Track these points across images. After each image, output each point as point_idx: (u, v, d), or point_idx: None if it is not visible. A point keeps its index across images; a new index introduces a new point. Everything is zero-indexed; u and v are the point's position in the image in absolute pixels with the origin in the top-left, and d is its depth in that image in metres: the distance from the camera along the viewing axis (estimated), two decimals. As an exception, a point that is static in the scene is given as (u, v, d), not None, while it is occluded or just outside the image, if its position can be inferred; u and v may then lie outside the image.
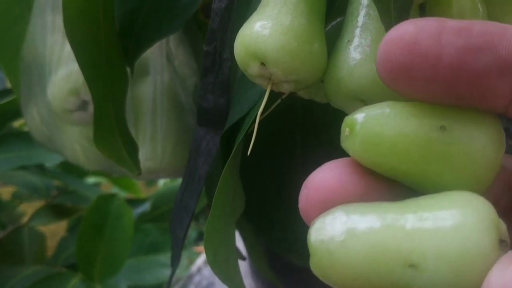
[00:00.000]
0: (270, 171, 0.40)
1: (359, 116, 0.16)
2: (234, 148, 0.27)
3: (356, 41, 0.22)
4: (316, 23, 0.22)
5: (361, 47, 0.21)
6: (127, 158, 0.34)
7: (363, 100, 0.22)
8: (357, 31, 0.22)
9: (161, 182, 0.99)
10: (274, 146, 0.38)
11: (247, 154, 0.24)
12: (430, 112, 0.16)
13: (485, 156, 0.15)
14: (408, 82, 0.15)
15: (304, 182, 0.17)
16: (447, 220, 0.14)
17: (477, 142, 0.15)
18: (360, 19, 0.22)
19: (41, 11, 0.39)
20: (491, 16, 0.23)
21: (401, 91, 0.16)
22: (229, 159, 0.27)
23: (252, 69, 0.22)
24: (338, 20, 0.25)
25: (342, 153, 0.27)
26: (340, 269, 0.15)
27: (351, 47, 0.22)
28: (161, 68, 0.40)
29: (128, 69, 0.36)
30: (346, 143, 0.17)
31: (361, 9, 0.22)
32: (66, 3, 0.29)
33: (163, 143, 0.40)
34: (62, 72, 0.38)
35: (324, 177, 0.17)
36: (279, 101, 0.25)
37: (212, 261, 0.27)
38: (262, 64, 0.22)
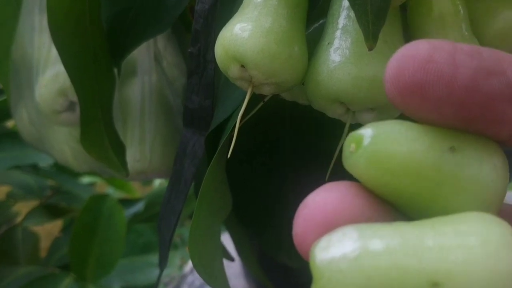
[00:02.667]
0: (260, 172, 0.40)
1: (367, 132, 0.15)
2: (218, 150, 0.27)
3: (336, 43, 0.22)
4: (297, 25, 0.22)
5: (341, 49, 0.21)
6: (114, 159, 0.34)
7: (343, 102, 0.22)
8: (338, 33, 0.22)
9: (157, 182, 0.99)
10: (263, 147, 0.38)
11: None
12: (439, 132, 0.15)
13: (494, 180, 0.15)
14: (420, 102, 0.14)
15: (303, 202, 0.15)
16: (471, 236, 0.13)
17: (486, 165, 0.15)
18: (341, 21, 0.22)
19: (29, 11, 0.39)
20: (471, 18, 0.23)
21: (410, 110, 0.15)
22: (213, 160, 0.27)
23: (233, 72, 0.22)
24: (320, 21, 0.25)
25: (330, 154, 0.27)
26: None
27: (331, 49, 0.22)
28: (149, 69, 0.40)
29: (115, 70, 0.36)
30: (350, 160, 0.15)
31: (342, 11, 0.22)
32: (51, 5, 0.29)
33: (152, 144, 0.40)
34: (49, 73, 0.38)
35: (328, 197, 0.15)
36: (261, 104, 0.25)
37: (196, 262, 0.27)
38: (242, 66, 0.22)
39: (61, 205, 0.85)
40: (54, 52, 0.38)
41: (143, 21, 0.34)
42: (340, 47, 0.21)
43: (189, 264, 0.70)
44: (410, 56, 0.14)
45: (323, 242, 0.14)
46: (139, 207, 0.74)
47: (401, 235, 0.13)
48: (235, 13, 0.25)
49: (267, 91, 0.23)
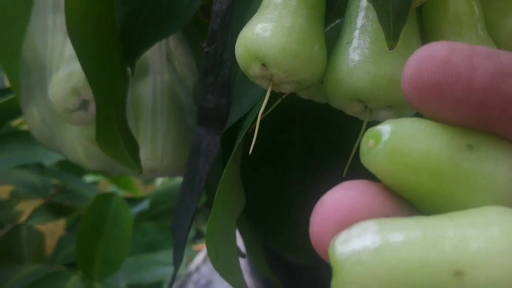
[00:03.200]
0: (270, 171, 0.40)
1: (386, 128, 0.15)
2: (235, 149, 0.27)
3: (355, 42, 0.22)
4: (316, 25, 0.23)
5: (360, 49, 0.22)
6: (128, 157, 0.35)
7: (362, 100, 0.22)
8: (356, 33, 0.22)
9: (159, 181, 1.00)
10: (274, 146, 0.39)
11: (248, 154, 0.25)
12: (456, 131, 0.15)
13: (510, 179, 0.15)
14: (438, 102, 0.15)
15: (320, 200, 0.15)
16: (491, 227, 0.13)
17: (503, 164, 0.15)
18: (359, 21, 0.22)
19: (41, 11, 0.40)
20: (486, 18, 0.24)
21: (428, 110, 0.15)
22: (230, 159, 0.28)
23: (254, 70, 0.23)
24: (337, 21, 0.26)
25: (342, 152, 0.28)
26: (375, 282, 0.13)
27: (350, 49, 0.22)
28: (161, 68, 0.40)
29: (129, 69, 0.36)
30: (369, 156, 0.15)
31: (360, 11, 0.23)
32: (69, 9, 0.29)
33: (163, 143, 0.40)
34: (63, 72, 0.38)
35: (346, 195, 0.15)
36: (279, 101, 0.25)
37: (214, 260, 0.27)
38: (263, 65, 0.22)
39: (65, 203, 0.85)
40: (67, 51, 0.38)
41: (155, 21, 0.34)
42: (359, 47, 0.22)
43: (195, 263, 0.71)
44: (429, 57, 0.14)
45: (343, 236, 0.14)
46: (144, 205, 0.74)
47: (421, 227, 0.13)
48: (251, 12, 0.26)
49: (287, 89, 0.23)
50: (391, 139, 0.15)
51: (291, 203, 0.42)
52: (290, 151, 0.40)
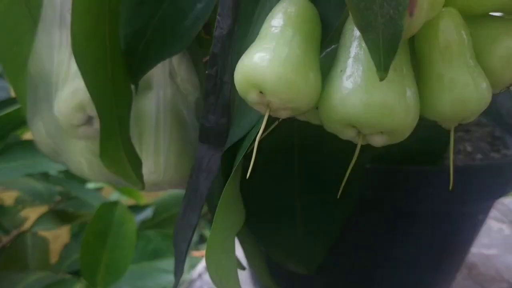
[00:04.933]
0: (270, 183, 0.41)
1: None
2: (234, 168, 0.28)
3: (348, 71, 0.23)
4: (311, 54, 0.24)
5: (353, 77, 0.23)
6: (131, 173, 0.36)
7: (355, 126, 0.23)
8: (350, 61, 0.23)
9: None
10: (272, 162, 0.40)
11: (247, 171, 0.26)
12: None
13: None
14: None
15: None
16: None
17: None
18: (353, 50, 0.23)
19: (48, 28, 0.41)
20: (475, 46, 0.24)
21: None
22: (229, 178, 0.29)
23: (251, 97, 0.24)
24: (332, 47, 0.27)
25: (336, 170, 0.29)
26: None
27: (344, 77, 0.23)
28: (164, 84, 0.41)
29: (133, 86, 0.37)
30: None
31: (353, 40, 0.24)
32: (75, 30, 0.30)
33: (166, 157, 0.41)
34: (68, 89, 0.39)
35: None
36: (276, 123, 0.26)
37: (213, 275, 0.28)
38: (261, 92, 0.23)
39: (69, 210, 0.86)
40: (73, 68, 0.39)
41: (159, 41, 0.35)
42: (352, 75, 0.23)
43: (197, 270, 0.72)
44: None
45: None
46: (147, 213, 0.76)
47: None
48: (250, 38, 0.27)
49: (283, 115, 0.24)
50: None
51: (292, 214, 0.43)
52: (290, 164, 0.41)
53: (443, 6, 0.24)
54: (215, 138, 0.32)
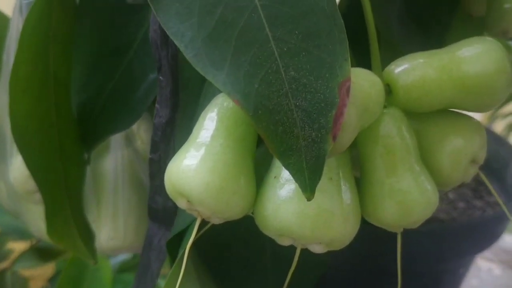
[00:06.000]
0: (239, 262, 0.39)
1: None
2: (176, 260, 0.27)
3: (282, 178, 0.22)
4: (243, 159, 0.22)
5: (288, 184, 0.22)
6: (82, 247, 0.35)
7: (290, 236, 0.22)
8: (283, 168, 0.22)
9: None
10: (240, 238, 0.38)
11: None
12: None
13: None
14: None
15: None
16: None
17: None
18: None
19: (4, 91, 0.40)
20: (422, 145, 0.23)
21: None
22: (172, 268, 0.27)
23: (181, 204, 0.22)
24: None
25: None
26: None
27: (277, 185, 0.22)
28: (122, 146, 0.40)
29: (86, 155, 0.36)
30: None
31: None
32: (13, 110, 0.29)
33: (126, 221, 0.40)
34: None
35: None
36: (210, 224, 0.25)
37: None
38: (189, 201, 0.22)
39: (52, 247, 0.84)
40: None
41: (112, 112, 0.34)
42: (287, 182, 0.21)
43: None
44: None
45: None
46: (125, 255, 0.74)
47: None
48: (193, 123, 0.25)
49: (216, 221, 0.23)
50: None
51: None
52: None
53: (387, 106, 0.23)
54: (164, 219, 0.31)
